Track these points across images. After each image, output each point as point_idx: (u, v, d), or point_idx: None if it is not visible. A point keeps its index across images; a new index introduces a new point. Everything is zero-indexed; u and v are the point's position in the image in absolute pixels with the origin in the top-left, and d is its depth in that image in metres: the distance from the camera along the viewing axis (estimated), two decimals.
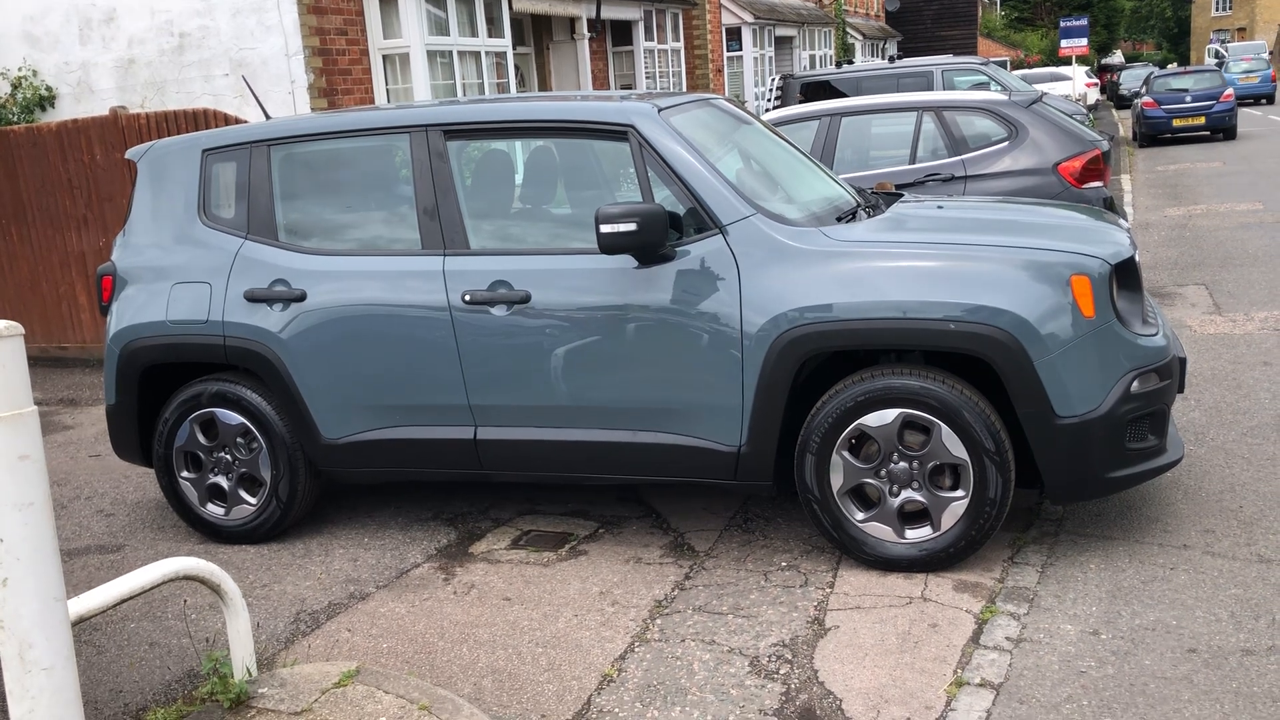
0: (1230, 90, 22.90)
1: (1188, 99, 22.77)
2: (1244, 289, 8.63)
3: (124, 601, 3.18)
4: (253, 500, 5.00)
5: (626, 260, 4.32)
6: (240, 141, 5.00)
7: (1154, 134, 23.18)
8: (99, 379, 9.01)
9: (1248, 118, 27.49)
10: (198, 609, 4.41)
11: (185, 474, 5.07)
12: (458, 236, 4.60)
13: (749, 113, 5.53)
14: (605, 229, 4.09)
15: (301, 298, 4.74)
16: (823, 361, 4.34)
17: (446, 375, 4.59)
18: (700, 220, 4.29)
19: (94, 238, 9.30)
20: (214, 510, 5.06)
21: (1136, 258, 4.34)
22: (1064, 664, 3.49)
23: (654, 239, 4.12)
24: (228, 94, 11.10)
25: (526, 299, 4.43)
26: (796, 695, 3.45)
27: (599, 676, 3.66)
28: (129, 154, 5.33)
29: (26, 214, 9.52)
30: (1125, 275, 4.25)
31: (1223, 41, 61.30)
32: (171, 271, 5.00)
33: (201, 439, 5.00)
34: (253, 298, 4.80)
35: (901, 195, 5.35)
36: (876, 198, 5.20)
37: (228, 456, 4.99)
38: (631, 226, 4.07)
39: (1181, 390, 4.38)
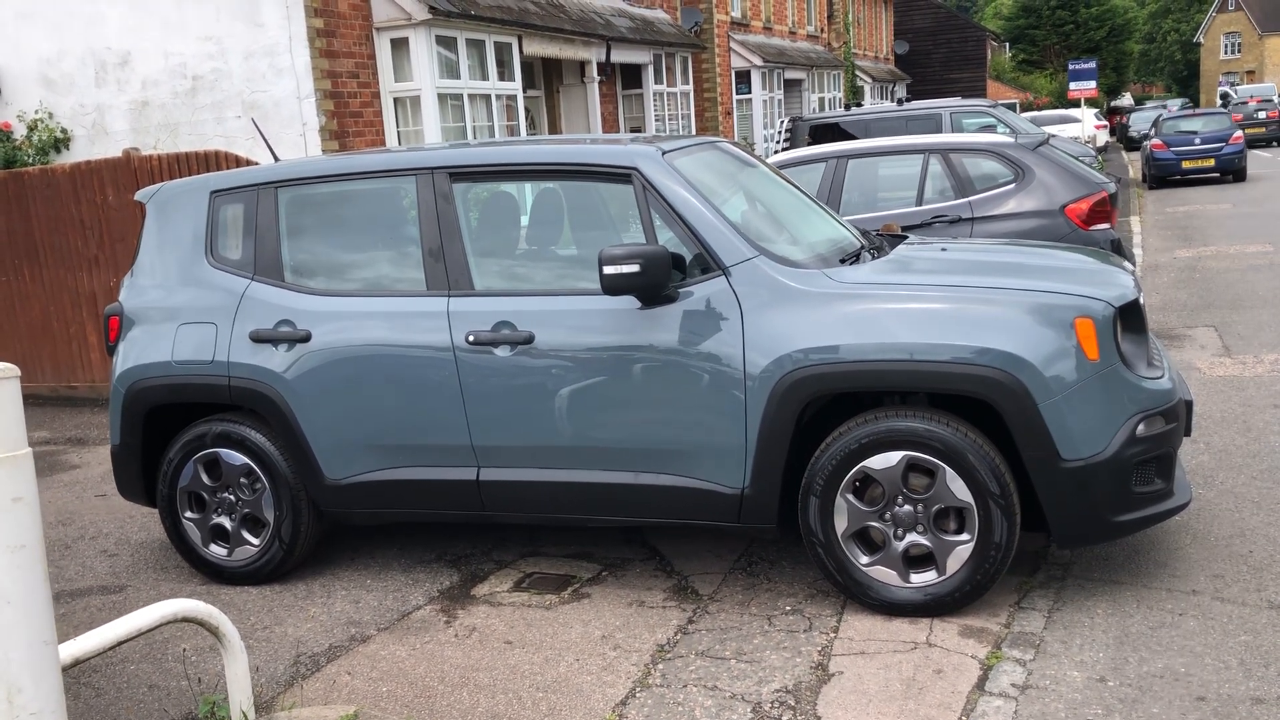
0: (1240, 133, 22.89)
1: (1197, 141, 22.77)
2: (1254, 331, 8.60)
3: (121, 644, 3.16)
4: (256, 541, 4.98)
5: (630, 301, 4.32)
6: (248, 183, 5.04)
7: (1163, 176, 23.17)
8: (107, 418, 9.03)
9: (1257, 160, 27.50)
10: (199, 650, 4.38)
11: (189, 514, 5.06)
12: (462, 278, 4.61)
13: (754, 155, 5.55)
14: (608, 270, 4.10)
15: (306, 338, 4.75)
16: (826, 403, 4.32)
17: (450, 416, 4.58)
18: (704, 262, 4.30)
19: (105, 278, 9.36)
20: (217, 551, 5.05)
21: (1141, 300, 4.32)
22: (1071, 712, 3.43)
23: (657, 280, 4.13)
24: (240, 136, 11.21)
25: (530, 340, 4.43)
26: None
27: None
28: (138, 195, 5.37)
29: (39, 254, 9.60)
30: (1130, 317, 4.23)
31: (1232, 84, 61.51)
32: (178, 312, 5.02)
33: (205, 479, 5.00)
34: (258, 338, 4.82)
35: (906, 237, 5.35)
36: (881, 239, 5.20)
37: (231, 497, 4.98)
38: (635, 268, 4.08)
39: (1188, 433, 4.34)
